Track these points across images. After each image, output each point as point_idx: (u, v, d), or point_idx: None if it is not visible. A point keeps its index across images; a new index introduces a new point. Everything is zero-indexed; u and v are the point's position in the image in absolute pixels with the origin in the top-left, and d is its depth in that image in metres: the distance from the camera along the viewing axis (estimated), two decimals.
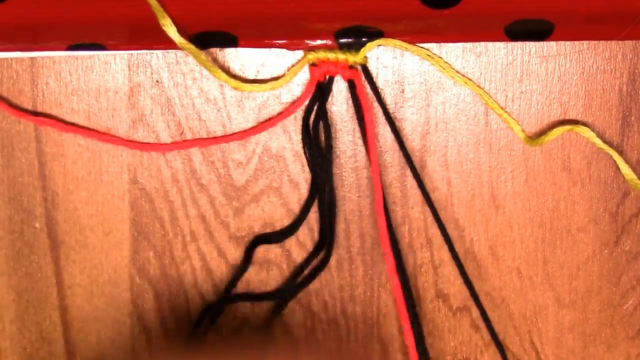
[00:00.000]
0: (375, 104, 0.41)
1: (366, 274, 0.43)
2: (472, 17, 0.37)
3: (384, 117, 0.41)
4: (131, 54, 0.41)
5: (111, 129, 0.41)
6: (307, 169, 0.42)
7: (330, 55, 0.39)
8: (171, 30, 0.37)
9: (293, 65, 0.40)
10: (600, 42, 0.41)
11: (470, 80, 0.41)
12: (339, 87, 0.41)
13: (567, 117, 0.41)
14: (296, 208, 0.42)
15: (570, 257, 0.43)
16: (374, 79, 0.41)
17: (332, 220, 0.42)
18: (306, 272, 0.42)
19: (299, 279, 0.42)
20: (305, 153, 0.41)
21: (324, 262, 0.42)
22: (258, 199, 0.42)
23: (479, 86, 0.41)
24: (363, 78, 0.40)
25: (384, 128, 0.41)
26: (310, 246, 0.42)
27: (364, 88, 0.40)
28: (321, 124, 0.41)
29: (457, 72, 0.40)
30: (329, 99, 0.41)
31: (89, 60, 0.41)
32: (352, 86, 0.40)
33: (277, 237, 0.42)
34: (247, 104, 0.41)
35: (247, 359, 0.42)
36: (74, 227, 0.42)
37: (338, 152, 0.42)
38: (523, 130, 0.41)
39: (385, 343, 0.43)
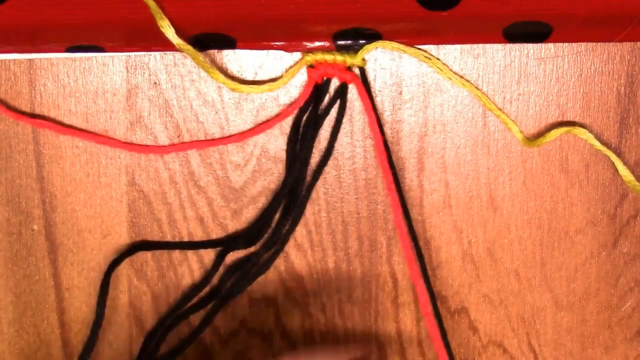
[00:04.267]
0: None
1: (364, 275, 0.43)
2: (470, 19, 0.37)
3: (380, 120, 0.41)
4: (129, 55, 0.41)
5: (109, 131, 0.41)
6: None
7: (328, 57, 0.39)
8: (169, 32, 0.37)
9: (291, 67, 0.40)
10: (598, 44, 0.41)
11: (468, 81, 0.41)
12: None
13: (565, 119, 0.41)
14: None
15: (568, 259, 0.43)
16: (371, 82, 0.41)
17: (293, 221, 0.41)
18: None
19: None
20: (287, 152, 0.41)
21: (270, 261, 0.42)
22: (256, 201, 0.42)
23: (477, 88, 0.41)
24: (360, 79, 0.40)
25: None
26: (308, 247, 0.42)
27: (362, 89, 0.40)
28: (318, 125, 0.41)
29: (455, 73, 0.40)
30: (328, 100, 0.41)
31: (86, 62, 0.41)
32: (343, 89, 0.40)
33: (244, 242, 0.42)
34: (245, 105, 0.41)
35: None
36: (72, 229, 0.42)
37: (336, 153, 0.42)
38: (521, 131, 0.41)
39: (383, 345, 0.43)
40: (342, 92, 0.41)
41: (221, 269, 0.42)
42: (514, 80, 0.41)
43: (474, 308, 0.43)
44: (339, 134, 0.41)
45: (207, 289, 0.43)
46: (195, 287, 0.42)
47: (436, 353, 0.43)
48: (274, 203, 0.41)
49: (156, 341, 0.42)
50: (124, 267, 0.42)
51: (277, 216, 0.42)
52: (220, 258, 0.42)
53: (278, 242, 0.41)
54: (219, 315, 0.43)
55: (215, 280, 0.42)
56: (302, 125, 0.41)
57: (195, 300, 0.42)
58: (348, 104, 0.41)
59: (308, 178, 0.41)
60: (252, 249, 0.42)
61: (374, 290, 0.43)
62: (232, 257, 0.42)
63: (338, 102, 0.41)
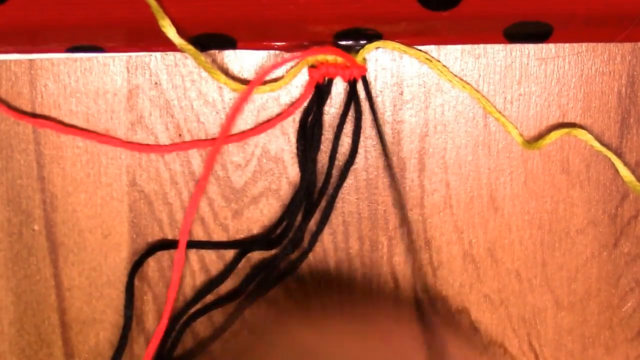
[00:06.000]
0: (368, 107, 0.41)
1: (365, 276, 0.43)
2: (471, 19, 0.37)
3: (380, 120, 0.41)
4: (130, 56, 0.41)
5: (110, 131, 0.41)
6: None
7: (329, 57, 0.39)
8: (171, 32, 0.37)
9: (292, 67, 0.40)
10: (599, 44, 0.41)
11: (468, 84, 0.41)
12: (338, 89, 0.41)
13: (565, 120, 0.41)
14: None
15: (569, 259, 0.43)
16: (372, 82, 0.41)
17: (322, 222, 0.41)
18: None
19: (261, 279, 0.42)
20: (298, 156, 0.41)
21: (297, 263, 0.42)
22: (257, 201, 0.42)
23: (477, 90, 0.41)
24: (367, 75, 0.40)
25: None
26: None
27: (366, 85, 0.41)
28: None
29: (456, 75, 0.40)
30: (328, 101, 0.41)
31: (87, 62, 0.41)
32: (353, 86, 0.40)
33: (267, 243, 0.42)
34: (245, 105, 0.41)
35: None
36: (72, 229, 0.42)
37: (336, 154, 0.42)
38: (521, 135, 0.41)
39: None
40: (353, 88, 0.40)
41: (230, 269, 0.42)
42: (514, 80, 0.41)
43: (475, 308, 0.43)
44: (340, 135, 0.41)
45: (216, 290, 0.43)
46: (211, 286, 0.42)
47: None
48: (292, 204, 0.41)
49: (172, 341, 0.42)
50: (125, 268, 0.42)
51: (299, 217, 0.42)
52: (238, 259, 0.42)
53: (303, 243, 0.41)
54: (220, 314, 0.43)
55: (237, 280, 0.42)
56: (309, 126, 0.41)
57: (209, 300, 0.42)
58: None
59: (320, 179, 0.41)
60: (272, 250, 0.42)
61: (375, 290, 0.43)
62: (233, 256, 0.42)
63: (345, 101, 0.41)
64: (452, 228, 0.42)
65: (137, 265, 0.42)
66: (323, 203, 0.41)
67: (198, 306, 0.42)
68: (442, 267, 0.43)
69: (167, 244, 0.42)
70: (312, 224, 0.41)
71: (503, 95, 0.41)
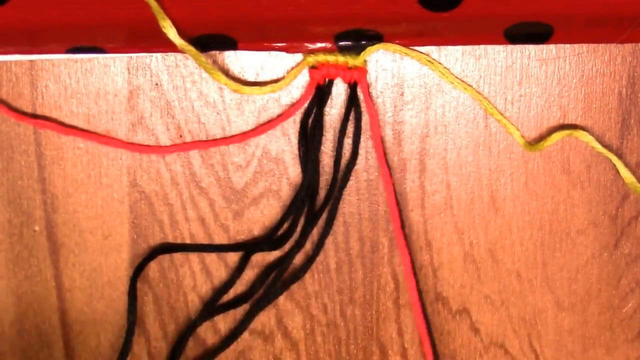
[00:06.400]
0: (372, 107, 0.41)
1: (365, 276, 0.43)
2: (471, 20, 0.37)
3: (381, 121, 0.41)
4: (130, 56, 0.41)
5: (110, 132, 0.41)
6: None
7: (330, 58, 0.39)
8: (171, 32, 0.37)
9: (293, 68, 0.40)
10: (600, 45, 0.41)
11: (469, 86, 0.41)
12: (339, 90, 0.41)
13: (566, 120, 0.41)
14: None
15: (569, 260, 0.43)
16: (373, 83, 0.41)
17: (327, 224, 0.41)
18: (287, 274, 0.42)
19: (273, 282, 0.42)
20: (300, 157, 0.41)
21: (305, 267, 0.42)
22: (257, 202, 0.42)
23: (478, 92, 0.41)
24: (368, 77, 0.40)
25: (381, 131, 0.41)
26: (310, 250, 0.42)
27: (367, 88, 0.40)
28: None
29: (457, 77, 0.40)
30: (329, 102, 0.41)
31: (88, 63, 0.41)
32: (353, 89, 0.40)
33: (269, 245, 0.42)
34: (246, 106, 0.41)
35: None
36: (73, 230, 0.42)
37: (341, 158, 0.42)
38: (523, 136, 0.41)
39: (385, 346, 0.43)
40: (353, 91, 0.40)
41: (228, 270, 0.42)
42: (515, 81, 0.41)
43: (476, 309, 0.43)
44: (341, 136, 0.41)
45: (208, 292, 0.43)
46: (219, 291, 0.42)
47: (437, 354, 0.43)
48: (293, 205, 0.41)
49: (182, 344, 0.42)
50: (126, 269, 0.42)
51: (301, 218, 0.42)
52: (244, 261, 0.42)
53: (306, 247, 0.41)
54: (220, 315, 0.43)
55: (243, 283, 0.42)
56: (309, 127, 0.41)
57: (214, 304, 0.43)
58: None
59: (323, 180, 0.41)
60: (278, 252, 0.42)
61: (376, 291, 0.43)
62: (234, 258, 0.42)
63: (347, 103, 0.41)
64: (453, 229, 0.42)
65: (138, 270, 0.42)
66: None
67: (202, 312, 0.42)
68: (442, 268, 0.43)
69: (169, 248, 0.42)
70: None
71: (504, 96, 0.41)
